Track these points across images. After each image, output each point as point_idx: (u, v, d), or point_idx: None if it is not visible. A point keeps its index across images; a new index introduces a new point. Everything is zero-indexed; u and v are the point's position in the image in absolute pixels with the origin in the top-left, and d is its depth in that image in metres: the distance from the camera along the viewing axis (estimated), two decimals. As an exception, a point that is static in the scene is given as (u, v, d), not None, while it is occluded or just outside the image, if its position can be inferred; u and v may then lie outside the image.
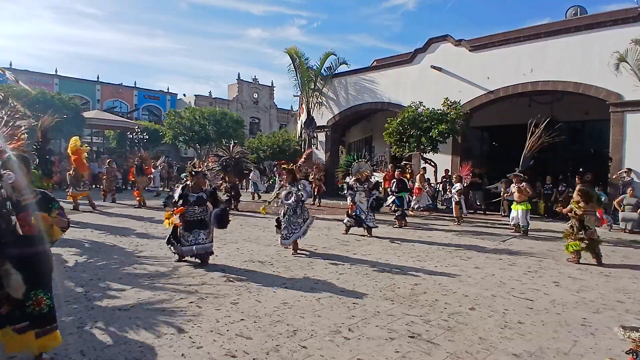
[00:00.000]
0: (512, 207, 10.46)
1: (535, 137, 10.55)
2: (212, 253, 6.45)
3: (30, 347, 3.01)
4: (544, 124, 10.63)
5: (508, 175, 10.90)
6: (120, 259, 6.52)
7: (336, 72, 20.88)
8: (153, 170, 16.61)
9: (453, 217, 12.20)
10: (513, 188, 10.46)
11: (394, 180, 11.43)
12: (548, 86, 13.97)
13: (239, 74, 44.85)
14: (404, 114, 14.89)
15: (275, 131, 35.22)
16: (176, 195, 6.41)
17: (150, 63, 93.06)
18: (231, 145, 14.17)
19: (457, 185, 11.91)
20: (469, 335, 3.88)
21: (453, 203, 12.02)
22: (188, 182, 6.54)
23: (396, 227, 10.77)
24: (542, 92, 14.60)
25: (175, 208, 6.34)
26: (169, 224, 6.32)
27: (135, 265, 6.17)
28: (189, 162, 8.35)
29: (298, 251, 7.34)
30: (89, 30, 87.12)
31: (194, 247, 6.19)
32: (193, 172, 6.55)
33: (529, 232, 10.06)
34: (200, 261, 6.29)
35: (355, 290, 5.21)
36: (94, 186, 16.51)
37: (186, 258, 6.35)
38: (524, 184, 10.24)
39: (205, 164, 8.39)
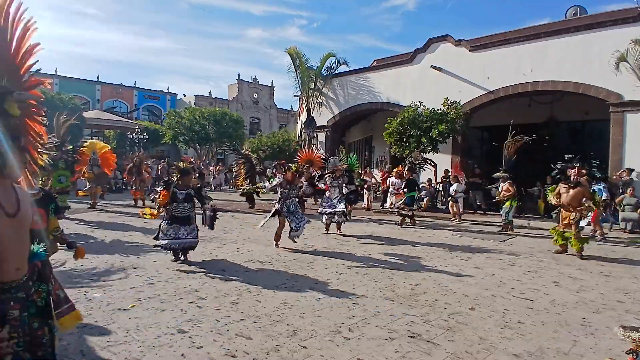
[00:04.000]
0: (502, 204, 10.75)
1: (511, 141, 10.83)
2: (192, 248, 6.52)
3: None
4: (516, 132, 10.91)
5: (494, 176, 11.16)
6: (120, 258, 6.51)
7: (336, 72, 20.90)
8: (150, 171, 16.84)
9: (453, 217, 12.34)
10: (503, 187, 10.77)
11: (404, 179, 11.50)
12: (548, 86, 13.98)
13: (239, 74, 44.88)
14: (404, 114, 14.90)
15: (275, 131, 35.22)
16: (159, 189, 6.63)
17: (150, 63, 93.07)
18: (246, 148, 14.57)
19: (462, 186, 12.16)
20: (469, 335, 3.88)
21: (452, 202, 12.25)
22: (176, 180, 6.63)
23: (410, 224, 10.96)
24: (542, 92, 14.61)
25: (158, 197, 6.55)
26: (150, 216, 6.59)
27: (135, 265, 6.17)
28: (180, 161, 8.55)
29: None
30: (89, 30, 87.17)
31: (171, 242, 6.29)
32: (182, 171, 6.69)
33: (513, 228, 10.57)
34: (182, 257, 6.43)
35: (355, 290, 5.21)
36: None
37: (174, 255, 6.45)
38: (507, 182, 10.56)
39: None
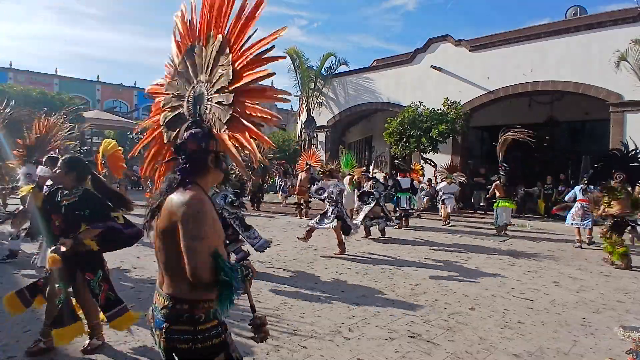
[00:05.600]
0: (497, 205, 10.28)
1: (501, 142, 10.62)
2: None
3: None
4: (508, 132, 10.61)
5: (492, 178, 10.86)
6: (121, 259, 6.51)
7: (336, 72, 20.88)
8: None
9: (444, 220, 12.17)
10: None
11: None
12: (548, 86, 13.98)
13: (238, 74, 44.80)
14: (404, 114, 14.89)
15: (275, 131, 35.17)
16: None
17: (150, 63, 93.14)
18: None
19: (455, 187, 12.05)
20: (469, 335, 3.88)
21: (448, 203, 12.01)
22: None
23: (395, 227, 10.79)
24: (542, 92, 14.60)
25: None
26: None
27: (136, 265, 6.17)
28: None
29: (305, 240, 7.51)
30: (89, 30, 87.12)
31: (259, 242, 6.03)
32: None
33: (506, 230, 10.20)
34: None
35: (355, 290, 5.21)
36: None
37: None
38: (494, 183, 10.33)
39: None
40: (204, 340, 1.67)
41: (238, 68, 1.81)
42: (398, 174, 11.67)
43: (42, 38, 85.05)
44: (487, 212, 14.47)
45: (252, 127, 1.76)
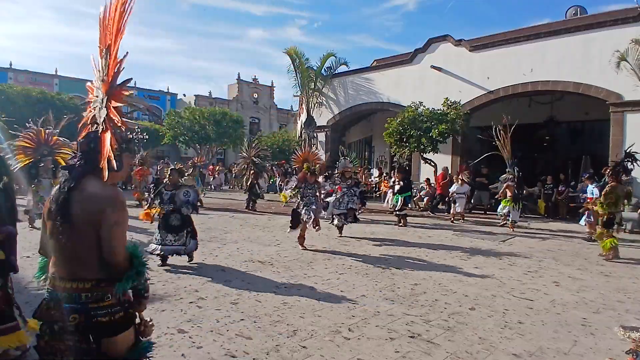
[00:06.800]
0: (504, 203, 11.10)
1: (502, 141, 11.26)
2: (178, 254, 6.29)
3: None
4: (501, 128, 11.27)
5: (501, 179, 11.33)
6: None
7: (336, 72, 20.90)
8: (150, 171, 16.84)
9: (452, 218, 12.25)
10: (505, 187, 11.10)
11: (396, 180, 11.57)
12: (548, 86, 13.97)
13: (239, 74, 44.74)
14: (404, 114, 14.88)
15: (275, 131, 35.22)
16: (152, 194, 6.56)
17: (150, 63, 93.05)
18: (251, 145, 14.72)
19: (465, 187, 12.17)
20: (469, 335, 3.88)
21: (459, 203, 12.17)
22: (167, 180, 6.55)
23: (401, 226, 10.92)
24: (542, 92, 14.60)
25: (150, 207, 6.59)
26: (146, 219, 6.75)
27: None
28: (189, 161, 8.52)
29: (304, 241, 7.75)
30: (89, 30, 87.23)
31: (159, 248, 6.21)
32: (171, 170, 6.64)
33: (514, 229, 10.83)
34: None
35: (355, 290, 5.21)
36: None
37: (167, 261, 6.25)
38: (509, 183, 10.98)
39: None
40: (127, 310, 1.92)
41: (108, 73, 1.95)
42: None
43: (41, 38, 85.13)
44: (487, 212, 14.47)
45: (108, 130, 1.90)
